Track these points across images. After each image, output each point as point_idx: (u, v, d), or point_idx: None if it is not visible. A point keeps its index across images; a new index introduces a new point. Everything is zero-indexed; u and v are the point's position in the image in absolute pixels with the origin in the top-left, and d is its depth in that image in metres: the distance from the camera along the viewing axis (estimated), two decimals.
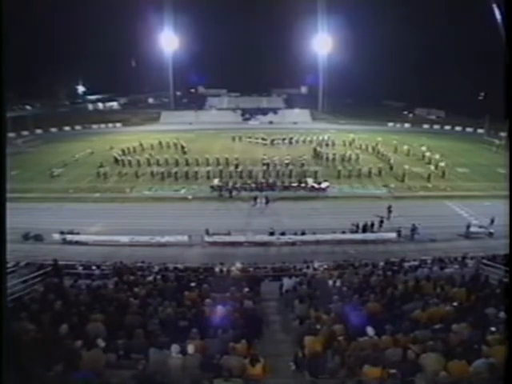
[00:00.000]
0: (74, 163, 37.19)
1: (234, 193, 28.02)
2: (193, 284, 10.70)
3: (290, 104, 73.37)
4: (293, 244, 20.21)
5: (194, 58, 68.98)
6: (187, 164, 34.25)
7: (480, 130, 53.85)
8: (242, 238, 20.38)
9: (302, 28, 62.95)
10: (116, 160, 36.16)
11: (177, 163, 34.44)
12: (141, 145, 41.47)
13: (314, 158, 37.25)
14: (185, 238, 20.35)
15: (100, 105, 77.02)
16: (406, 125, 60.59)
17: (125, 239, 20.31)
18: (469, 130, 56.33)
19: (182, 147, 40.44)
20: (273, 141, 43.24)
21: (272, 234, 20.60)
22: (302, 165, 33.51)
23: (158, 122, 64.15)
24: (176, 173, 32.00)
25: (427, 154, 37.84)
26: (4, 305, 3.11)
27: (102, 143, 45.47)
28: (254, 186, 28.80)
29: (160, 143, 42.84)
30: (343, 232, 20.92)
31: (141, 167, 34.01)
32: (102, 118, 64.10)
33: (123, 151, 38.56)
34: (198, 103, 75.02)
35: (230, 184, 28.77)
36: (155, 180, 31.57)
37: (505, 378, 3.92)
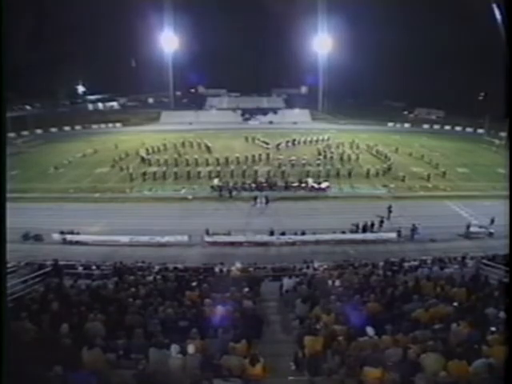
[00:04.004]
0: (74, 163, 37.18)
1: (234, 193, 27.99)
2: (193, 284, 10.68)
3: (289, 104, 73.32)
4: (293, 244, 20.20)
5: (194, 58, 68.89)
6: (188, 164, 34.20)
7: (480, 130, 53.88)
8: (241, 238, 20.38)
9: (302, 28, 62.98)
10: (142, 159, 36.65)
11: (177, 163, 34.42)
12: (164, 145, 41.82)
13: (322, 159, 36.84)
14: (185, 238, 20.36)
15: (100, 105, 76.91)
16: (406, 125, 60.63)
17: (125, 239, 20.33)
18: (469, 130, 56.36)
19: (207, 147, 40.66)
20: (278, 145, 42.48)
21: (272, 233, 20.59)
22: (318, 165, 33.72)
23: (158, 122, 64.17)
24: (176, 173, 31.99)
25: (427, 153, 37.81)
26: (4, 305, 3.11)
27: (102, 143, 45.45)
28: (254, 185, 28.75)
29: (183, 143, 43.16)
30: (343, 232, 20.92)
31: (169, 167, 33.85)
32: (102, 118, 64.13)
33: (147, 150, 39.07)
34: (197, 103, 74.98)
35: (231, 184, 28.74)
36: (158, 180, 31.54)
37: (505, 377, 3.92)
